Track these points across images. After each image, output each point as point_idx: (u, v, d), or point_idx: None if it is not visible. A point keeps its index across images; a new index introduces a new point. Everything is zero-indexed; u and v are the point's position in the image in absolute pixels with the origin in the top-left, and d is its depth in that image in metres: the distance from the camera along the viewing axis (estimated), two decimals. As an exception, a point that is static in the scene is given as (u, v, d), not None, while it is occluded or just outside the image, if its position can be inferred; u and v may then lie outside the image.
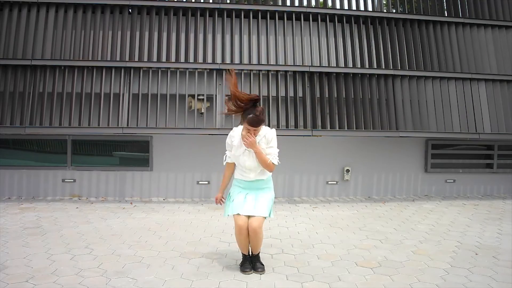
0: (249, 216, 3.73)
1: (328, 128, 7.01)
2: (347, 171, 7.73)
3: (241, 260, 3.95)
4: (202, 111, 6.94)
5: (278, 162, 3.79)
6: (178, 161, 7.39)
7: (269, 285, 3.55)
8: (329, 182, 7.75)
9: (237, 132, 3.82)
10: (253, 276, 3.72)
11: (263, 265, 3.88)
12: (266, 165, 3.71)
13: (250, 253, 3.92)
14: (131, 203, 6.87)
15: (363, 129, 7.06)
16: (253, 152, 3.72)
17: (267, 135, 3.76)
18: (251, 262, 3.89)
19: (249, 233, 3.73)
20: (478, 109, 7.42)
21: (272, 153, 3.74)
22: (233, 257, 4.19)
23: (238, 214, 3.73)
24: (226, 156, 3.95)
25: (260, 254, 3.93)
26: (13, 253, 4.22)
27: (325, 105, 7.08)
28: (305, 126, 6.96)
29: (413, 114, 7.22)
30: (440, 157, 8.06)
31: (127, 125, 6.69)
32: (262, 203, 3.77)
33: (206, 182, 7.44)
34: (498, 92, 7.55)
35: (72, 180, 7.26)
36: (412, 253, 4.46)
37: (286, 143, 7.33)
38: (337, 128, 7.04)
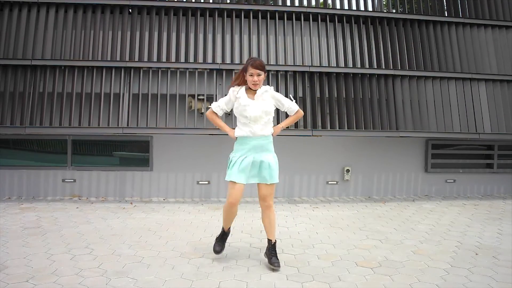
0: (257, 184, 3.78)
1: (328, 128, 7.01)
2: (347, 171, 7.73)
3: (219, 234, 4.06)
4: (202, 111, 6.94)
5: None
6: (178, 161, 7.39)
7: (269, 285, 3.54)
8: (329, 182, 7.75)
9: (240, 90, 3.85)
10: (253, 276, 3.72)
11: (278, 260, 3.84)
12: (297, 117, 3.96)
13: (266, 243, 3.93)
14: (131, 203, 6.87)
15: (363, 129, 7.06)
16: (258, 103, 3.71)
17: (272, 94, 3.84)
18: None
19: (262, 207, 3.80)
20: (478, 109, 7.43)
21: (291, 105, 3.87)
22: (233, 257, 4.18)
23: (234, 182, 3.69)
24: (215, 104, 3.90)
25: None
26: (13, 253, 4.22)
27: (325, 105, 7.08)
28: (305, 126, 6.96)
29: (413, 114, 7.22)
30: (440, 157, 8.06)
31: (127, 125, 6.69)
32: (274, 169, 3.76)
33: (206, 182, 7.43)
34: (498, 92, 7.55)
35: (72, 180, 7.27)
36: (412, 253, 4.46)
37: (286, 143, 7.34)
38: (337, 128, 7.05)
